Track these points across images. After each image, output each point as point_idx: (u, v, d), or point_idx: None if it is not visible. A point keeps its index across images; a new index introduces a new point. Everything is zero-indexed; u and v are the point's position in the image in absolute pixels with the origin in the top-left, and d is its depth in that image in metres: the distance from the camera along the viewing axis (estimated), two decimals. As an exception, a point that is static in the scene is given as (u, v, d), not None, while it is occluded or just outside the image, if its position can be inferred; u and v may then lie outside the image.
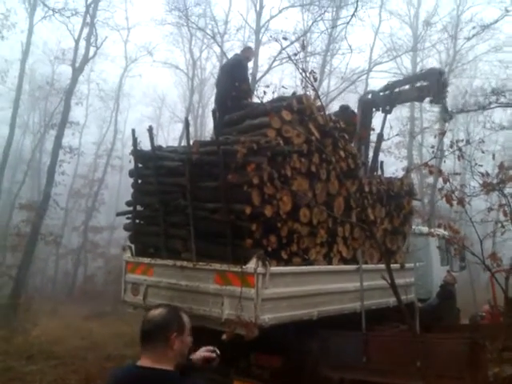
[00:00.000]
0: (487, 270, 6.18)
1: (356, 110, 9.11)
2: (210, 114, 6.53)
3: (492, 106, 13.03)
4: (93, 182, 28.01)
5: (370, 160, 9.02)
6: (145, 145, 7.23)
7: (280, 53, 18.74)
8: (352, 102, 20.68)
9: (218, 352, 2.68)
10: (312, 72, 5.94)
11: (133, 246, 7.24)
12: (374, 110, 9.39)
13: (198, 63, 28.17)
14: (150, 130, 6.85)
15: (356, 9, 14.89)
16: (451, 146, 6.07)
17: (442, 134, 7.79)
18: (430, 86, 8.70)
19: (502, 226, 6.27)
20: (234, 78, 7.09)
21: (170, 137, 34.02)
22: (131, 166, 7.31)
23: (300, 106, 6.41)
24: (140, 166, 7.18)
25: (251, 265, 5.24)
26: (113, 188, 31.11)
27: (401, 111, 23.45)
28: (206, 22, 22.68)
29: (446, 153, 7.42)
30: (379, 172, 8.76)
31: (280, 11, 20.82)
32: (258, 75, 19.11)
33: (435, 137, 8.34)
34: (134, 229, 7.25)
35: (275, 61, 20.32)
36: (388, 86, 9.36)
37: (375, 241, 6.54)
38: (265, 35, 20.49)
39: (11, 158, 21.46)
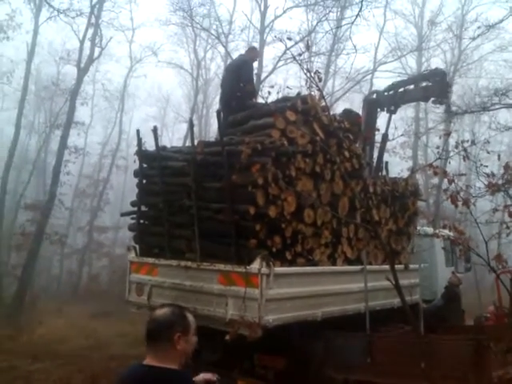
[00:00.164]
0: (492, 272, 6.16)
1: (360, 111, 9.10)
2: (215, 115, 6.53)
3: (496, 106, 12.99)
4: (98, 182, 28.04)
5: (375, 160, 9.00)
6: (149, 145, 7.24)
7: (284, 53, 18.65)
8: (357, 101, 20.76)
9: (219, 377, 2.71)
10: (317, 72, 5.93)
11: (137, 246, 7.26)
12: (378, 110, 9.38)
13: (202, 63, 28.17)
14: (155, 130, 6.87)
15: (361, 9, 14.92)
16: (456, 147, 6.07)
17: (448, 134, 7.76)
18: (433, 86, 8.72)
19: (508, 227, 6.24)
20: (239, 79, 7.09)
21: (175, 137, 33.99)
22: (136, 166, 7.33)
23: (304, 106, 6.40)
24: (145, 166, 7.20)
25: (255, 265, 5.25)
26: (118, 188, 31.15)
27: (406, 111, 23.37)
28: (211, 23, 22.63)
29: (452, 153, 7.40)
30: (384, 172, 8.74)
31: (284, 11, 20.79)
32: (263, 75, 19.11)
33: (440, 137, 8.30)
34: (139, 229, 7.27)
35: (280, 61, 20.30)
36: (392, 86, 9.36)
37: (380, 241, 6.54)
38: (269, 35, 20.48)
39: (17, 158, 21.52)
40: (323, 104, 6.73)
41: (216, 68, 28.82)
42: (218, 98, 8.46)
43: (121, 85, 29.15)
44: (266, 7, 20.51)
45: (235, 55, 14.72)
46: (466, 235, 7.03)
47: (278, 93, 6.60)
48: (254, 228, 5.50)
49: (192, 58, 28.02)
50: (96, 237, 25.91)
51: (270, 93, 5.98)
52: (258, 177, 5.44)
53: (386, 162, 9.13)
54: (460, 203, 5.90)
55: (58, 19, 18.69)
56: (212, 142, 7.28)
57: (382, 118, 9.60)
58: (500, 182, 6.12)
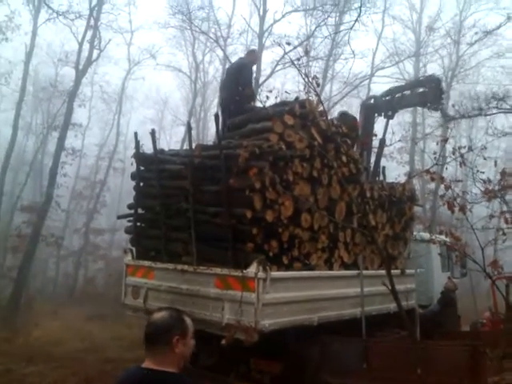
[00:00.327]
0: (488, 278, 6.17)
1: (358, 115, 9.14)
2: (213, 118, 6.53)
3: (494, 111, 13.05)
4: (95, 184, 27.97)
5: (372, 165, 9.03)
6: (147, 147, 7.23)
7: (283, 57, 18.74)
8: (354, 106, 20.81)
9: None
10: (315, 77, 5.95)
11: (134, 248, 7.24)
12: (376, 115, 9.42)
13: (200, 66, 28.18)
14: (153, 133, 6.86)
15: (359, 14, 15.00)
16: (453, 153, 6.09)
17: (445, 140, 7.79)
18: (427, 92, 8.80)
19: (504, 233, 6.27)
20: (238, 83, 7.10)
21: (172, 140, 33.98)
22: (133, 168, 7.32)
23: (302, 110, 6.41)
24: (142, 168, 7.19)
25: (252, 269, 5.24)
26: (114, 190, 31.04)
27: (403, 116, 23.44)
28: (209, 26, 22.70)
29: (448, 159, 7.43)
30: (381, 177, 8.75)
31: (283, 16, 20.86)
32: (261, 79, 19.13)
33: (437, 143, 8.34)
34: (136, 232, 7.25)
35: (278, 65, 20.34)
36: (389, 92, 9.42)
37: (376, 246, 6.55)
38: (268, 39, 20.56)
39: (14, 160, 21.49)
40: (321, 109, 6.75)
41: (214, 71, 28.90)
42: (216, 102, 8.50)
43: (119, 87, 29.17)
44: (264, 11, 20.56)
45: (233, 59, 14.79)
46: (463, 241, 7.05)
47: (276, 97, 6.62)
48: (251, 232, 5.50)
49: (190, 60, 28.07)
50: (92, 239, 25.81)
51: (268, 97, 6.00)
52: (256, 181, 5.45)
53: (383, 167, 9.14)
54: (456, 209, 5.92)
55: (57, 21, 18.75)
56: (210, 145, 7.29)
57: (379, 123, 9.64)
58: (496, 188, 6.15)
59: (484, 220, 7.33)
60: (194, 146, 6.46)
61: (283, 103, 6.76)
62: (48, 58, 26.85)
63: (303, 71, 6.28)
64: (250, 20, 23.68)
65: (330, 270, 6.52)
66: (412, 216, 8.55)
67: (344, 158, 6.80)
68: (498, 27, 20.45)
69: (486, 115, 13.68)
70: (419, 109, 19.82)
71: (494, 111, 12.96)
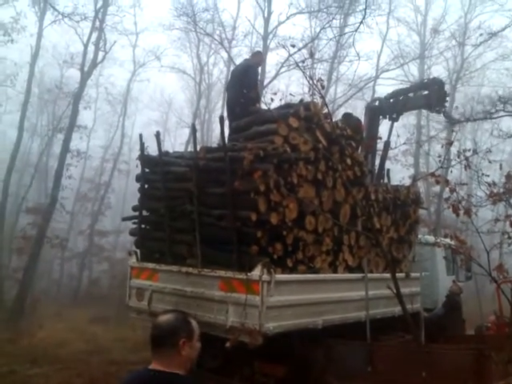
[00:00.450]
0: (493, 282, 6.14)
1: (363, 117, 9.13)
2: (217, 120, 6.54)
3: (500, 114, 12.99)
4: (99, 186, 28.04)
5: (377, 168, 9.01)
6: (152, 149, 7.25)
7: (287, 59, 18.76)
8: (359, 108, 20.78)
9: None
10: (319, 79, 5.95)
11: (138, 251, 7.25)
12: (380, 117, 9.40)
13: (205, 68, 28.24)
14: (158, 135, 6.88)
15: (364, 16, 14.88)
16: (458, 156, 6.06)
17: (450, 143, 7.76)
18: (430, 95, 8.78)
19: (509, 237, 6.22)
20: (243, 85, 7.10)
21: (177, 142, 34.12)
22: (138, 170, 7.34)
23: (307, 113, 6.41)
24: (147, 170, 7.21)
25: (256, 272, 5.24)
26: (119, 192, 31.15)
27: (408, 119, 23.40)
28: (214, 28, 22.74)
29: (453, 162, 7.40)
30: (386, 180, 8.74)
31: (288, 18, 20.82)
32: (266, 81, 19.14)
33: (442, 146, 8.33)
34: (140, 234, 7.26)
35: (282, 67, 20.35)
36: (394, 94, 9.40)
37: (381, 249, 6.53)
38: (272, 41, 20.55)
39: (19, 161, 21.57)
40: (326, 111, 6.74)
41: (219, 73, 28.97)
42: (220, 104, 8.51)
43: (124, 89, 29.28)
44: (269, 13, 20.55)
45: (238, 61, 14.78)
46: (468, 244, 7.02)
47: (280, 99, 6.61)
48: (256, 235, 5.50)
49: (195, 62, 28.13)
50: (97, 241, 25.87)
51: (272, 99, 5.99)
52: (260, 183, 5.45)
53: (388, 170, 9.13)
54: (461, 212, 5.89)
55: (63, 23, 18.84)
56: (214, 147, 7.28)
57: (384, 126, 9.61)
58: (502, 191, 6.11)
59: (489, 223, 7.29)
60: (198, 148, 6.46)
61: (288, 105, 6.76)
62: (53, 59, 27.05)
63: (308, 73, 6.28)
64: (255, 22, 23.74)
65: (335, 273, 6.51)
66: (417, 219, 8.53)
67: (349, 161, 6.79)
68: (503, 29, 20.36)
69: (491, 118, 13.64)
70: (424, 111, 19.75)
71: (501, 114, 12.90)
